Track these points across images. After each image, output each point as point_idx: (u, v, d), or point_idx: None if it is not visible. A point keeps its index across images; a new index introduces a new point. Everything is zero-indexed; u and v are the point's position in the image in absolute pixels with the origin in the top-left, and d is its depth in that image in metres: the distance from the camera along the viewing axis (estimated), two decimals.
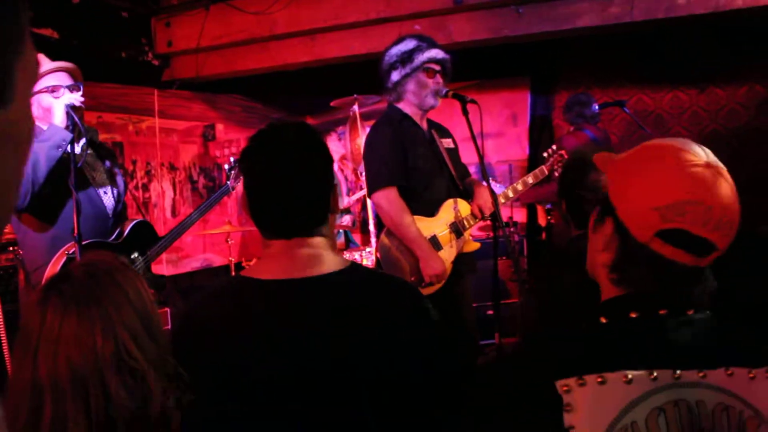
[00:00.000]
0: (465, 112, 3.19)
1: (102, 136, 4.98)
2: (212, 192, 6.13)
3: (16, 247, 2.94)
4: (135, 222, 3.18)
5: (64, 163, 2.78)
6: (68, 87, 2.86)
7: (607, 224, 1.23)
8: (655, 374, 1.10)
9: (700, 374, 1.11)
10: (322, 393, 1.42)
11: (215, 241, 5.98)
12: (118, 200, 3.17)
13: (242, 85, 5.98)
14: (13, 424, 1.23)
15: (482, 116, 3.31)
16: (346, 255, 4.77)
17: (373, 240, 4.62)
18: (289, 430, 1.42)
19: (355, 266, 1.59)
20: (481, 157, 3.15)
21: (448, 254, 3.27)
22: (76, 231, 2.72)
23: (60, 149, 2.74)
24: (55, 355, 1.24)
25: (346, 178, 6.08)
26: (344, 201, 5.86)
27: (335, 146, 5.81)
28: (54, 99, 2.82)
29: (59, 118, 2.79)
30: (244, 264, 5.69)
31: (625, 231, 1.18)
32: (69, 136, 2.76)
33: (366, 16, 4.60)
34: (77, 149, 2.82)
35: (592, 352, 1.16)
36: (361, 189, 5.41)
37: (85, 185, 2.96)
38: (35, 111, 2.87)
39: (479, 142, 3.10)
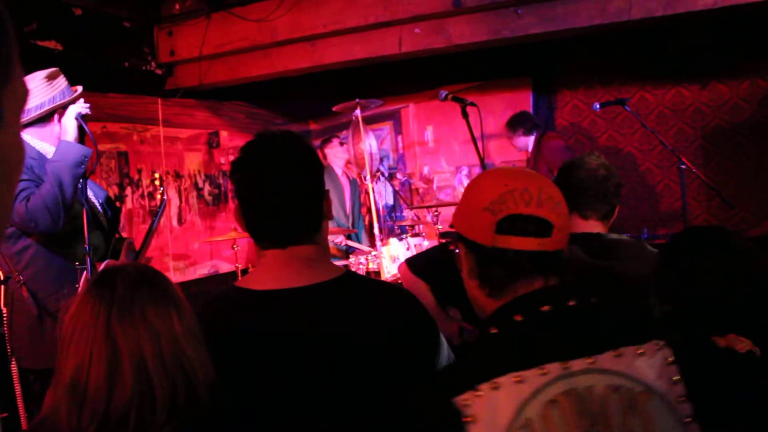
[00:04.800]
0: (465, 115, 3.21)
1: (107, 146, 5.04)
2: (218, 199, 6.18)
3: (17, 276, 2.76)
4: (128, 241, 3.12)
5: None
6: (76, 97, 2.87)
7: (461, 249, 1.39)
8: (545, 369, 1.17)
9: (590, 360, 1.18)
10: (321, 402, 1.43)
11: (222, 247, 6.02)
12: (114, 218, 3.14)
13: (245, 91, 6.00)
14: (78, 393, 1.23)
15: (484, 118, 3.34)
16: (352, 259, 4.78)
17: (378, 244, 4.63)
18: None
19: (349, 273, 1.60)
20: (481, 159, 3.17)
21: None
22: (87, 243, 2.70)
23: (83, 166, 2.70)
24: (132, 318, 1.26)
25: (351, 182, 6.08)
26: (347, 205, 5.86)
27: (339, 151, 5.79)
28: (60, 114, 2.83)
29: (72, 134, 2.76)
30: (250, 270, 5.71)
31: (474, 244, 1.33)
32: (88, 150, 2.73)
33: (365, 20, 4.61)
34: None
35: (485, 362, 1.23)
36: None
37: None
38: (56, 129, 2.86)
39: (479, 145, 3.12)
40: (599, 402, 1.15)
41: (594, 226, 2.22)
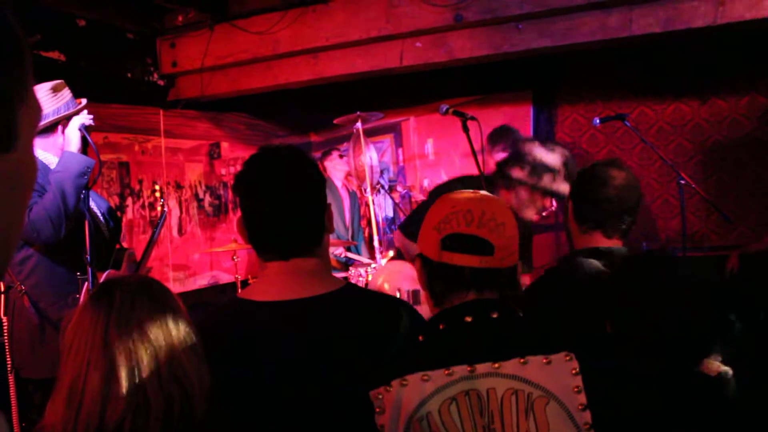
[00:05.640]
0: (465, 129, 3.22)
1: (108, 156, 5.06)
2: (218, 210, 6.19)
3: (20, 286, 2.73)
4: (128, 252, 3.11)
5: None
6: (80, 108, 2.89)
7: (417, 263, 1.52)
8: (451, 370, 1.31)
9: (495, 365, 1.31)
10: (322, 413, 1.44)
11: (222, 258, 6.02)
12: (115, 229, 3.15)
13: (247, 103, 6.02)
14: (75, 400, 1.25)
15: (484, 131, 3.35)
16: (352, 271, 4.78)
17: (378, 256, 4.64)
18: None
19: (350, 286, 1.62)
20: (481, 172, 3.18)
21: None
22: (88, 253, 2.71)
23: (86, 177, 2.72)
24: (129, 329, 1.28)
25: (351, 195, 6.09)
26: (346, 217, 5.87)
27: (339, 164, 5.81)
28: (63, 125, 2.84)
29: (75, 145, 2.78)
30: (250, 281, 5.71)
31: (426, 258, 1.47)
32: (91, 161, 2.75)
33: (367, 33, 4.64)
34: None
35: (420, 358, 1.37)
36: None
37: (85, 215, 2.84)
38: (59, 140, 2.87)
39: (479, 158, 3.13)
40: (498, 403, 1.28)
41: (615, 243, 2.28)
